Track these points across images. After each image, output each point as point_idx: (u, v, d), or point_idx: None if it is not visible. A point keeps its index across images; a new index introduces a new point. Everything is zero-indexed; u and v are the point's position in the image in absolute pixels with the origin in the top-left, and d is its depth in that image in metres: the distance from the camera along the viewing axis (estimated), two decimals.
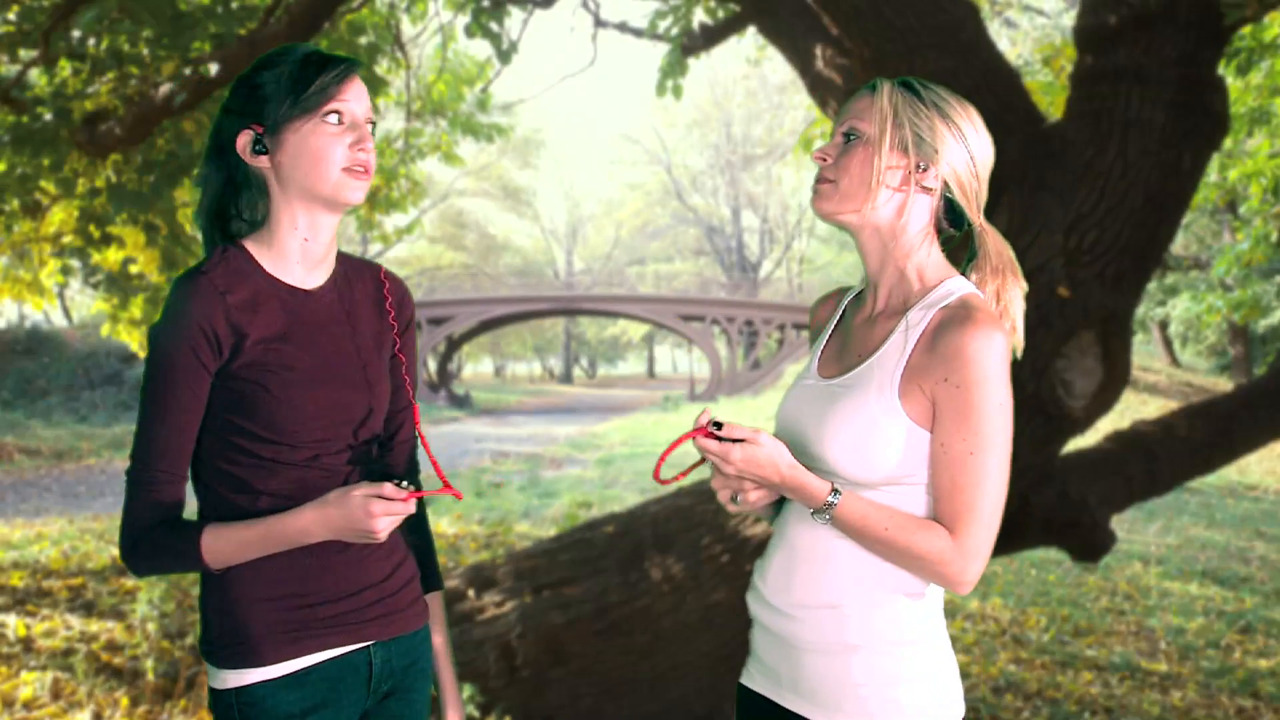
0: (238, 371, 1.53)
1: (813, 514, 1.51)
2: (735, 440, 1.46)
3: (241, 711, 1.55)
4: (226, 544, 1.52)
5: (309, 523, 1.51)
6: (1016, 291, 1.58)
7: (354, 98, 1.56)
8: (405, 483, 1.51)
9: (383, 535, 1.50)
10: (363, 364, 1.63)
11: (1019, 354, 1.56)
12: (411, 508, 1.51)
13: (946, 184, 1.56)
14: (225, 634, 1.56)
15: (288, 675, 1.56)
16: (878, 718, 1.50)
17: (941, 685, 1.53)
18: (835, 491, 1.48)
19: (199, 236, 1.71)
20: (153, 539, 1.53)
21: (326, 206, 1.58)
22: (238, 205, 1.60)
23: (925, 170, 1.55)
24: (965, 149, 1.55)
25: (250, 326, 1.53)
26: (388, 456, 1.73)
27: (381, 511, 1.48)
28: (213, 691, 1.59)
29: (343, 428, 1.60)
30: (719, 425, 1.47)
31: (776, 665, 1.60)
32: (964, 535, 1.46)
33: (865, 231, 1.59)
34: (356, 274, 1.69)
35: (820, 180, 1.59)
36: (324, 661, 1.58)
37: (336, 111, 1.54)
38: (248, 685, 1.55)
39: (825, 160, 1.59)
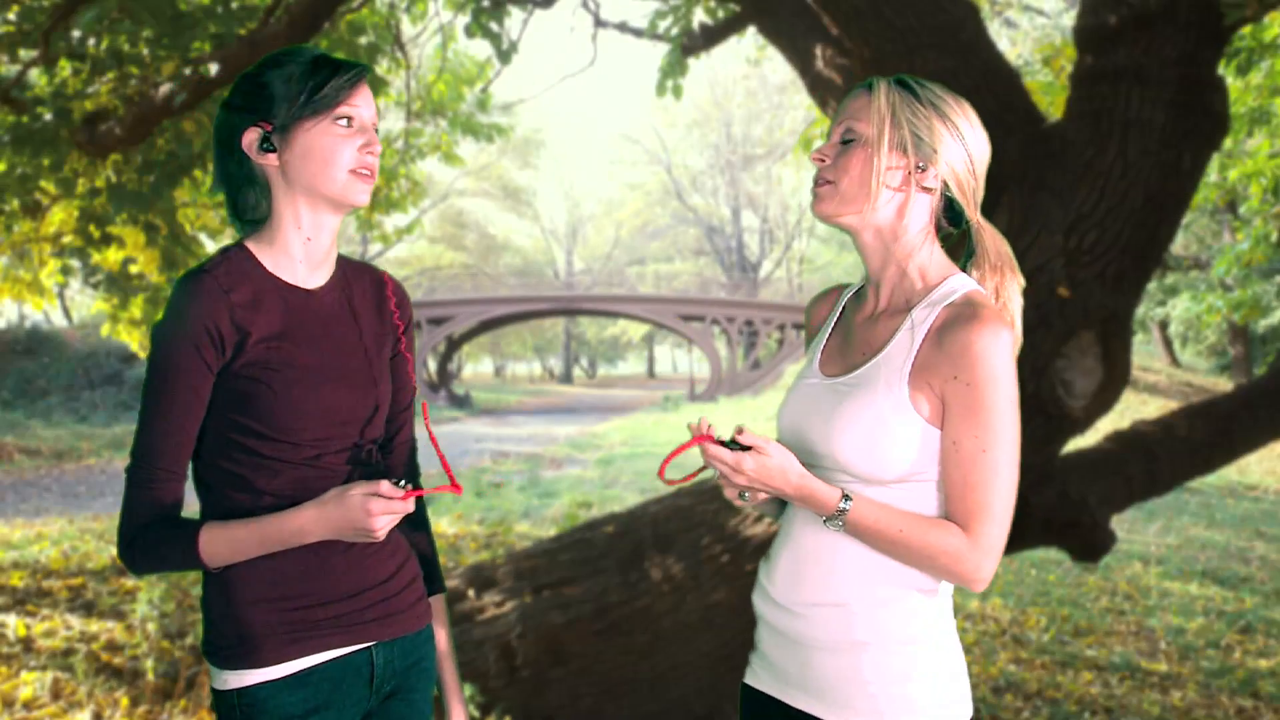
0: (241, 370, 1.53)
1: (825, 521, 1.50)
2: (745, 448, 1.46)
3: (244, 712, 1.55)
4: (224, 542, 1.52)
5: (307, 522, 1.52)
6: (1015, 288, 1.59)
7: (363, 103, 1.58)
8: (402, 481, 1.51)
9: (381, 534, 1.51)
10: (368, 363, 1.64)
11: (1017, 350, 1.56)
12: (410, 506, 1.51)
13: (945, 183, 1.55)
14: (227, 634, 1.56)
15: (289, 676, 1.56)
16: (887, 715, 1.50)
17: (950, 683, 1.53)
18: (846, 498, 1.48)
19: (199, 236, 1.72)
20: (150, 536, 1.54)
21: (331, 207, 1.59)
22: (241, 202, 1.60)
23: (925, 170, 1.54)
24: (963, 147, 1.54)
25: (253, 325, 1.54)
26: (388, 458, 1.74)
27: (380, 510, 1.48)
28: (215, 692, 1.59)
29: (347, 427, 1.61)
30: (732, 443, 1.47)
31: (784, 664, 1.59)
32: (978, 532, 1.46)
33: (866, 232, 1.59)
34: (355, 275, 1.70)
35: (819, 182, 1.59)
36: (326, 662, 1.58)
37: (347, 116, 1.56)
38: (249, 686, 1.55)
39: (823, 161, 1.58)
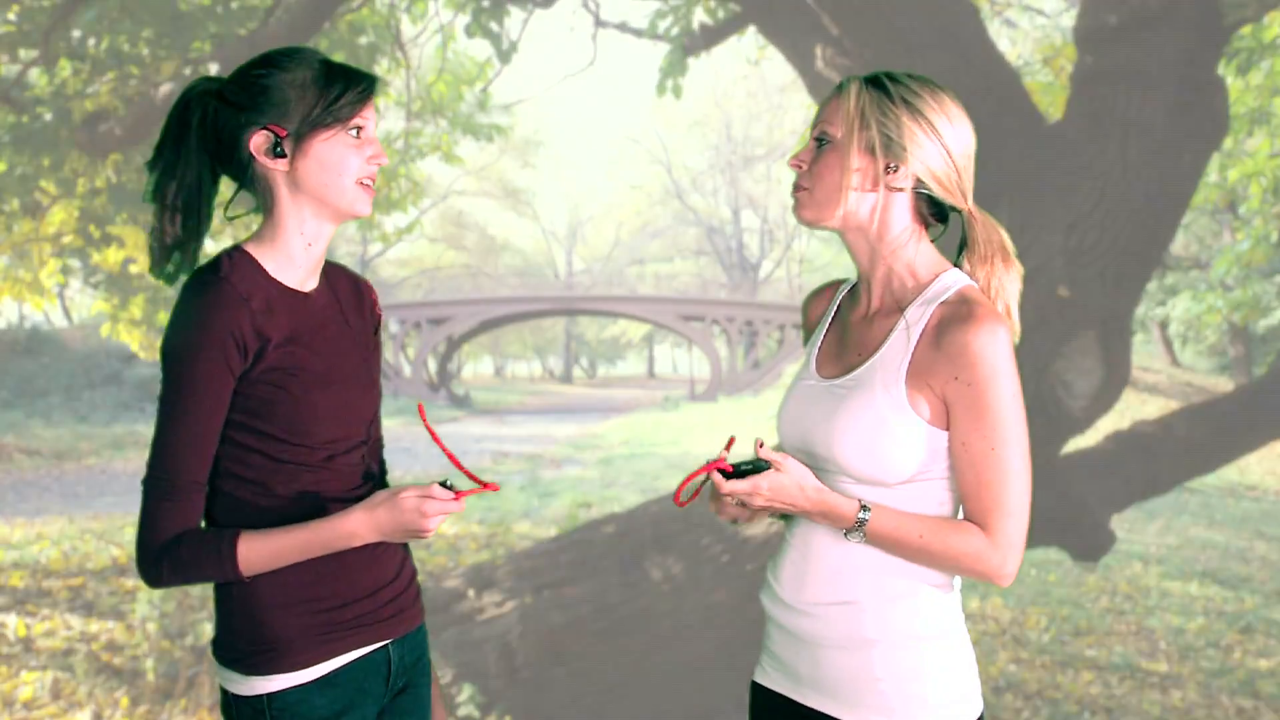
0: (259, 376, 1.53)
1: (846, 534, 1.50)
2: (757, 469, 1.46)
3: (274, 716, 1.55)
4: (265, 552, 1.52)
5: (357, 526, 1.52)
6: (1009, 275, 1.56)
7: (371, 113, 1.59)
8: (449, 482, 1.52)
9: (431, 534, 1.54)
10: (362, 363, 1.65)
11: (1017, 337, 1.55)
12: (462, 506, 1.53)
13: (921, 180, 1.53)
14: (253, 639, 1.56)
15: (318, 679, 1.56)
16: (898, 712, 1.50)
17: (961, 679, 1.54)
18: (864, 509, 1.48)
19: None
20: (181, 551, 1.52)
21: (335, 216, 1.60)
22: (208, 203, 1.57)
23: (895, 170, 1.52)
24: (937, 143, 1.52)
25: (271, 331, 1.54)
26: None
27: (435, 512, 1.50)
28: (236, 698, 1.57)
29: (354, 426, 1.62)
30: (750, 467, 1.47)
31: (795, 663, 1.59)
32: (997, 530, 1.47)
33: (849, 234, 1.58)
34: (335, 277, 1.70)
35: (797, 188, 1.58)
36: (350, 663, 1.59)
37: (358, 126, 1.57)
38: (279, 691, 1.55)
39: (801, 167, 1.57)
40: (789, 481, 1.47)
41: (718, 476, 1.48)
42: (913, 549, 1.48)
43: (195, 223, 1.58)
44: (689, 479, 1.51)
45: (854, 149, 1.52)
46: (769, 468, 1.47)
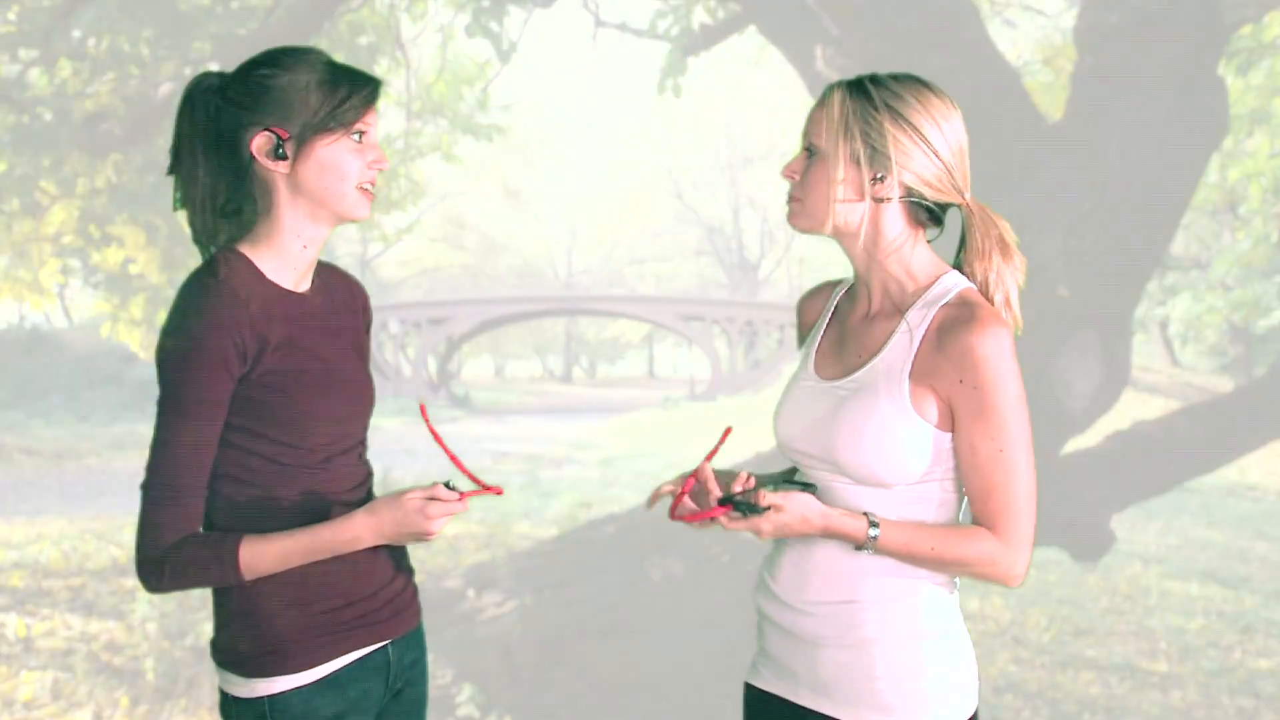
0: (258, 379, 1.53)
1: (855, 549, 1.51)
2: (760, 509, 1.46)
3: (276, 719, 1.55)
4: (266, 556, 1.51)
5: (360, 529, 1.52)
6: (1009, 267, 1.55)
7: (374, 118, 1.59)
8: (452, 483, 1.53)
9: (436, 536, 1.54)
10: (357, 363, 1.65)
11: (1019, 331, 1.54)
12: (467, 507, 1.53)
13: (911, 188, 1.51)
14: (253, 641, 1.55)
15: (320, 680, 1.56)
16: (897, 710, 1.50)
17: (961, 678, 1.54)
18: (874, 525, 1.48)
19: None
20: (183, 556, 1.52)
21: (333, 220, 1.59)
22: (228, 203, 1.58)
23: (882, 181, 1.50)
24: (924, 148, 1.50)
25: (270, 334, 1.53)
26: None
27: (440, 513, 1.50)
28: (236, 700, 1.57)
29: (351, 427, 1.62)
30: (747, 506, 1.47)
31: (792, 663, 1.59)
32: (1007, 531, 1.48)
33: (844, 240, 1.57)
34: (327, 276, 1.70)
35: (790, 198, 1.58)
36: (351, 664, 1.59)
37: (360, 131, 1.56)
38: (281, 693, 1.54)
39: (794, 178, 1.57)
40: (792, 519, 1.46)
41: (725, 520, 1.48)
42: (925, 560, 1.49)
43: (228, 217, 1.58)
44: (696, 518, 1.51)
45: (840, 161, 1.51)
46: (768, 510, 1.46)
